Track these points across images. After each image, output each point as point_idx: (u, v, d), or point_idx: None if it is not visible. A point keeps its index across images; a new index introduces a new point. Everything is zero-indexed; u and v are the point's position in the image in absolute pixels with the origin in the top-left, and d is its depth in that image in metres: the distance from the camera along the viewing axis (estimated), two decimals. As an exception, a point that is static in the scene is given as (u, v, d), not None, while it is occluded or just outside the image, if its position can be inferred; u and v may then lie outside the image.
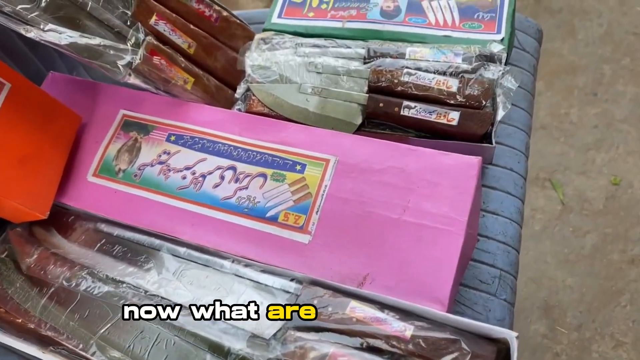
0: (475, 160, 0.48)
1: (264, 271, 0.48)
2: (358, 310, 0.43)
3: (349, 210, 0.49)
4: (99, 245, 0.52)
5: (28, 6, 0.47)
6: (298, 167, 0.51)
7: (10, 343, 0.48)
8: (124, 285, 0.48)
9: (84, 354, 0.46)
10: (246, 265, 0.48)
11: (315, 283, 0.46)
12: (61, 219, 0.55)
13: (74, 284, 0.48)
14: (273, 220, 0.50)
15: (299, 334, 0.42)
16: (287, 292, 0.46)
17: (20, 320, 0.49)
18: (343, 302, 0.44)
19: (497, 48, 0.54)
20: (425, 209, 0.47)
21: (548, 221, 1.17)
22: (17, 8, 0.46)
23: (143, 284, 0.48)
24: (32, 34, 0.47)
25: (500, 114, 0.51)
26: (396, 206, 0.48)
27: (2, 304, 0.50)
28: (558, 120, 1.29)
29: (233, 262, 0.49)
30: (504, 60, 0.54)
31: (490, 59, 0.54)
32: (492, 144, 0.51)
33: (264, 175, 0.52)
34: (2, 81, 0.51)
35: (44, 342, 0.47)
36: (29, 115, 0.52)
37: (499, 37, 0.56)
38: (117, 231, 0.53)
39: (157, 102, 0.58)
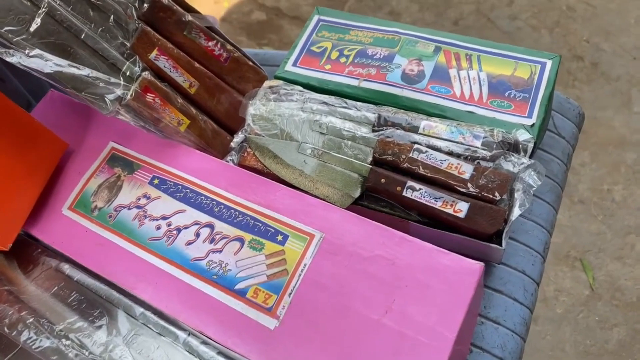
0: (476, 267, 0.42)
1: (220, 353, 0.42)
2: None
3: (326, 299, 0.43)
4: (55, 288, 0.48)
5: (15, 29, 0.44)
6: (279, 238, 0.46)
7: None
8: (68, 342, 0.44)
9: (8, 414, 0.41)
10: (203, 343, 0.43)
11: (273, 379, 0.41)
12: (26, 251, 0.52)
13: (15, 332, 0.44)
14: (241, 294, 0.44)
15: None
16: (238, 386, 0.41)
17: (-45, 360, 0.45)
18: (297, 409, 0.38)
19: (523, 136, 0.48)
20: (410, 315, 0.41)
21: (572, 306, 1.07)
22: (2, 30, 0.43)
23: (88, 344, 0.44)
24: (14, 58, 0.43)
25: (516, 213, 0.45)
26: (379, 305, 0.42)
27: (-58, 338, 0.46)
28: (599, 196, 1.20)
29: (189, 335, 0.44)
30: (529, 151, 0.48)
31: (514, 147, 0.48)
32: (501, 245, 0.45)
33: (241, 240, 0.47)
34: (-18, 101, 0.48)
35: (-26, 390, 0.44)
36: (6, 139, 0.49)
37: (529, 121, 0.50)
38: (78, 276, 0.49)
39: (148, 139, 0.54)
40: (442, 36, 0.57)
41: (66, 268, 0.49)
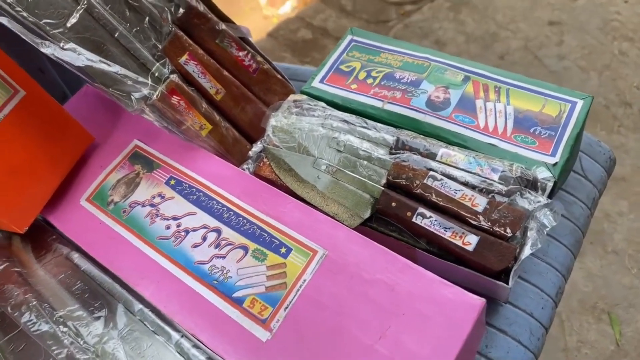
0: (478, 302, 0.40)
1: (209, 358, 0.42)
2: None
3: (322, 317, 0.42)
4: (62, 275, 0.49)
5: (53, 22, 0.46)
6: (283, 250, 0.46)
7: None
8: (65, 329, 0.44)
9: (-1, 392, 0.42)
10: (194, 346, 0.43)
11: (258, 390, 0.40)
12: (42, 236, 0.53)
13: (17, 313, 0.45)
14: (238, 302, 0.44)
15: None
16: (223, 392, 0.41)
17: (-41, 334, 0.46)
18: None
19: (543, 174, 0.47)
20: (403, 344, 0.40)
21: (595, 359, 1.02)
22: (42, 22, 0.45)
23: (84, 334, 0.44)
24: (48, 49, 0.45)
25: (527, 252, 0.43)
26: (373, 330, 0.41)
27: (-49, 311, 0.48)
28: (635, 248, 1.15)
29: (182, 337, 0.44)
30: (548, 190, 0.46)
31: (532, 184, 0.47)
32: (508, 283, 0.43)
33: (245, 249, 0.47)
34: (18, 88, 0.50)
35: (-28, 365, 0.45)
36: (36, 128, 0.51)
37: (551, 160, 0.49)
38: (85, 266, 0.50)
39: (170, 141, 0.55)
40: (472, 66, 0.56)
41: (75, 257, 0.50)
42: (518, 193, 0.46)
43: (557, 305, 0.50)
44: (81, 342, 0.44)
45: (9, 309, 0.46)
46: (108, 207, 0.53)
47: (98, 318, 0.45)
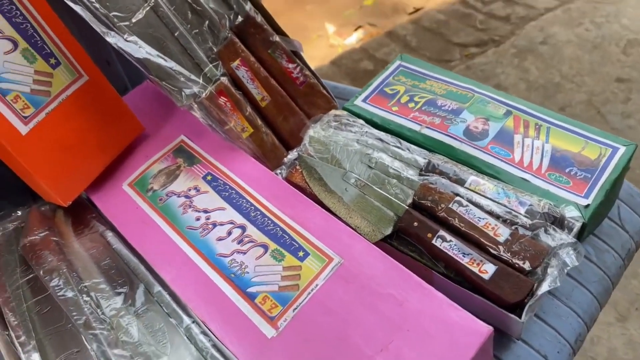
0: (484, 330, 0.40)
1: (214, 347, 0.44)
2: None
3: (328, 322, 0.43)
4: (94, 250, 0.52)
5: (121, 15, 0.50)
6: (300, 254, 0.47)
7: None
8: (87, 298, 0.47)
9: (19, 348, 0.45)
10: (202, 333, 0.45)
11: (255, 384, 0.41)
12: (82, 213, 0.57)
13: (47, 277, 0.48)
14: (250, 297, 0.45)
15: None
16: (221, 380, 0.42)
17: (-5, 290, 0.50)
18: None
19: (571, 213, 0.46)
20: (403, 359, 0.40)
21: None
22: (111, 14, 0.49)
23: (104, 306, 0.47)
24: (112, 39, 0.49)
25: (544, 288, 0.42)
26: (376, 342, 0.41)
27: (-9, 268, 0.51)
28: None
29: (193, 322, 0.45)
30: (575, 231, 0.45)
31: (559, 222, 0.46)
32: (520, 317, 0.42)
33: (265, 247, 0.48)
34: (82, 73, 0.54)
35: (1, 319, 0.48)
36: (93, 111, 0.55)
37: (583, 202, 0.48)
38: (117, 245, 0.53)
39: (213, 140, 0.58)
40: (515, 102, 0.56)
41: (109, 235, 0.53)
42: (543, 228, 0.45)
43: (575, 354, 0.48)
44: (99, 313, 0.46)
45: (41, 272, 0.49)
46: (147, 193, 0.56)
47: (119, 294, 0.48)
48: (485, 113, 0.56)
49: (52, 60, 0.52)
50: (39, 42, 0.51)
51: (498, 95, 0.57)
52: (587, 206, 0.47)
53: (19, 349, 0.45)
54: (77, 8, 0.48)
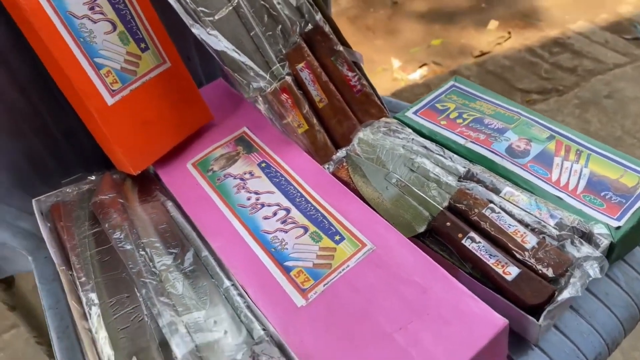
0: (500, 322, 0.42)
1: (248, 307, 0.48)
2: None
3: (353, 299, 0.46)
4: (154, 215, 0.58)
5: (206, 11, 0.57)
6: (337, 237, 0.51)
7: (50, 248, 0.55)
8: (143, 252, 0.52)
9: (79, 287, 0.51)
10: (239, 295, 0.49)
11: (280, 346, 0.45)
12: (148, 184, 0.63)
13: (111, 231, 0.54)
14: (287, 270, 0.50)
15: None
16: (251, 336, 0.46)
17: (65, 237, 0.56)
18: (287, 374, 0.42)
19: (599, 230, 0.47)
20: (420, 339, 0.42)
21: None
22: (198, 8, 0.56)
23: (156, 260, 0.52)
24: (196, 30, 0.56)
25: (565, 295, 0.44)
26: (396, 321, 0.44)
27: (65, 220, 0.58)
28: None
29: (232, 285, 0.50)
30: (602, 248, 0.47)
31: (587, 237, 0.48)
32: (538, 320, 0.44)
33: (305, 229, 0.52)
34: (166, 59, 0.61)
35: (67, 262, 0.54)
36: (170, 95, 0.62)
37: (615, 224, 0.49)
38: (175, 213, 0.58)
39: (271, 133, 0.63)
40: (560, 128, 0.59)
41: (169, 205, 0.59)
42: (569, 240, 0.47)
43: (594, 372, 0.49)
44: (151, 266, 0.51)
45: (106, 225, 0.55)
46: (207, 173, 0.61)
47: (171, 253, 0.53)
48: (529, 135, 0.59)
49: (142, 45, 0.59)
50: (134, 27, 0.58)
51: (544, 120, 0.60)
52: (618, 228, 0.49)
53: (79, 287, 0.51)
54: (172, 1, 0.55)
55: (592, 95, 1.57)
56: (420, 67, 1.77)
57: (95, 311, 0.48)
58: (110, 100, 0.57)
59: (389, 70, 1.77)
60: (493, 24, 1.89)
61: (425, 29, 1.92)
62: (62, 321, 0.55)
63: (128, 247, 0.53)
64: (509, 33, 1.84)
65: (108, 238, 0.55)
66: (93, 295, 0.50)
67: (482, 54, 1.77)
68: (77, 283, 0.51)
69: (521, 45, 1.79)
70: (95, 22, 0.55)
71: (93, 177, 0.64)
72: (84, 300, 0.49)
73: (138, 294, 0.49)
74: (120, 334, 0.46)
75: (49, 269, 0.60)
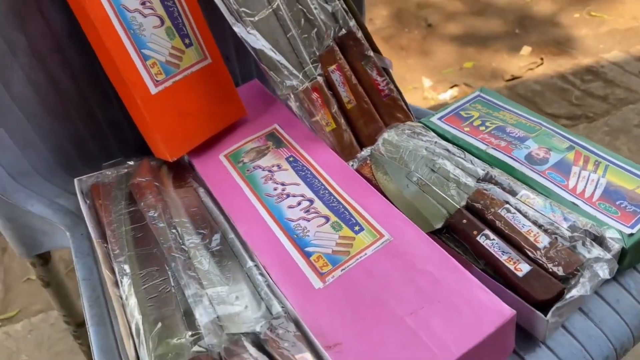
0: (508, 312, 0.44)
1: (268, 286, 0.50)
2: None
3: (368, 284, 0.49)
4: (186, 199, 0.61)
5: (247, 11, 0.61)
6: (356, 228, 0.54)
7: (88, 223, 0.59)
8: (174, 231, 0.56)
9: (113, 258, 0.54)
10: (260, 274, 0.52)
11: (296, 322, 0.47)
12: (183, 171, 0.67)
13: (146, 209, 0.58)
14: (307, 255, 0.52)
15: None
16: (270, 311, 0.48)
17: (103, 214, 0.60)
18: (300, 348, 0.44)
19: (611, 234, 0.49)
20: (430, 324, 0.45)
21: None
22: (240, 9, 0.60)
23: (185, 239, 0.55)
24: (237, 29, 0.60)
25: (574, 293, 0.46)
26: (408, 306, 0.46)
27: (103, 199, 0.62)
28: None
29: (255, 265, 0.53)
30: (614, 252, 0.48)
31: (599, 241, 0.49)
32: (545, 316, 0.46)
33: (327, 219, 0.55)
34: (207, 56, 0.65)
35: (103, 236, 0.58)
36: (209, 89, 0.66)
37: (628, 230, 0.50)
38: (205, 199, 0.62)
39: (300, 130, 0.67)
40: (580, 139, 0.61)
41: (201, 191, 0.63)
42: (581, 241, 0.48)
43: (601, 376, 0.50)
44: (181, 243, 0.55)
45: (142, 204, 0.59)
46: (238, 164, 0.65)
47: (199, 233, 0.56)
48: (549, 144, 0.60)
49: (187, 41, 0.64)
50: (180, 24, 0.63)
51: (563, 132, 0.62)
52: (630, 235, 0.50)
53: (113, 259, 0.54)
54: (218, 0, 0.60)
55: (622, 124, 1.56)
56: (451, 87, 1.79)
57: (126, 281, 0.52)
58: (153, 90, 0.61)
59: (420, 89, 1.80)
60: (526, 49, 1.91)
61: (458, 52, 1.95)
62: (94, 292, 0.58)
63: (161, 224, 0.56)
64: (542, 59, 1.86)
65: (143, 216, 0.58)
66: (126, 267, 0.53)
67: (513, 78, 1.79)
68: (111, 255, 0.55)
69: (553, 71, 1.80)
70: (145, 16, 0.60)
71: (132, 163, 0.68)
72: (117, 270, 0.53)
73: (167, 268, 0.53)
74: (148, 302, 0.50)
75: (85, 244, 0.64)
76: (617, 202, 0.53)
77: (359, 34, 0.66)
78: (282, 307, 0.48)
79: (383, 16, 2.18)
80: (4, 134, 0.63)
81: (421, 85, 1.81)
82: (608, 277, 0.46)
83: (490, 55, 1.91)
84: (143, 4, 0.60)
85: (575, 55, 1.87)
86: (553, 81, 1.76)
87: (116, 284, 0.52)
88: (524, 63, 1.85)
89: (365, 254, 0.51)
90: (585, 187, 0.55)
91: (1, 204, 0.66)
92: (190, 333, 0.46)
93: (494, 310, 0.44)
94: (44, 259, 0.76)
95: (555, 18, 2.06)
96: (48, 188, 0.69)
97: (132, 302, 0.49)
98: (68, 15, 0.60)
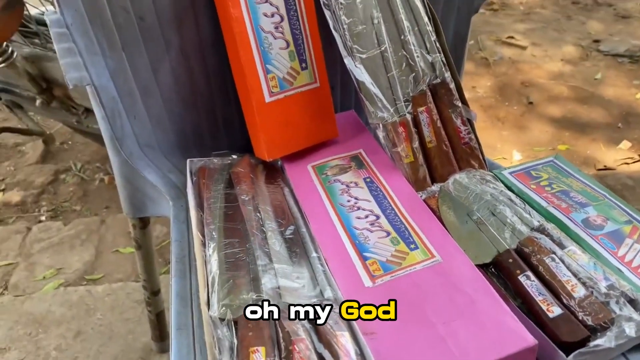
0: (530, 340, 0.49)
1: (324, 273, 0.58)
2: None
3: (411, 292, 0.55)
4: (272, 194, 0.71)
5: (359, 49, 0.71)
6: (412, 246, 0.61)
7: (189, 194, 0.71)
8: (258, 214, 0.66)
9: (206, 226, 0.65)
10: (321, 263, 0.60)
11: (343, 308, 0.55)
12: (274, 172, 0.77)
13: (240, 193, 0.68)
14: (364, 259, 0.60)
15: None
16: (322, 295, 0.56)
17: (204, 190, 0.72)
18: (342, 327, 0.52)
19: (646, 299, 0.52)
20: (458, 334, 0.50)
21: None
22: (353, 46, 0.71)
23: (265, 222, 0.65)
24: (347, 60, 0.71)
25: (599, 342, 0.50)
26: (442, 316, 0.52)
27: (207, 179, 0.74)
28: None
29: (318, 257, 0.61)
30: (646, 315, 0.52)
31: (634, 304, 0.53)
32: (567, 355, 0.50)
33: (388, 234, 0.63)
34: (317, 80, 0.77)
35: (200, 207, 0.69)
36: (312, 108, 0.77)
37: (665, 302, 0.54)
38: (288, 197, 0.71)
39: (381, 157, 0.75)
40: (640, 216, 0.64)
41: (286, 191, 0.73)
42: (615, 299, 0.52)
43: None
44: (261, 224, 0.64)
45: (237, 188, 0.69)
46: (322, 175, 0.74)
47: (278, 222, 0.66)
48: (608, 214, 0.65)
49: (303, 65, 0.75)
50: (301, 49, 0.74)
51: (626, 207, 0.66)
52: (667, 307, 0.53)
53: (205, 226, 0.65)
54: (336, 35, 0.71)
55: None
56: (540, 165, 1.80)
57: (212, 244, 0.62)
58: (268, 99, 0.73)
59: (508, 160, 1.83)
60: (626, 144, 1.89)
61: (555, 133, 1.96)
62: (182, 251, 0.69)
63: (249, 207, 0.67)
64: (640, 156, 1.83)
65: (236, 198, 0.69)
66: (214, 233, 0.63)
67: (606, 168, 1.77)
68: (204, 222, 0.65)
69: (650, 170, 1.77)
70: (275, 38, 0.72)
71: (235, 156, 0.79)
72: (206, 234, 0.63)
73: (246, 242, 0.62)
74: (225, 263, 0.59)
75: (182, 214, 0.76)
76: (662, 277, 0.56)
77: (452, 85, 0.74)
78: (334, 293, 0.56)
79: (486, 87, 2.25)
80: (144, 111, 0.77)
81: (510, 157, 1.84)
82: (634, 335, 0.50)
83: (587, 143, 1.91)
84: (276, 28, 0.72)
85: (677, 159, 1.82)
86: (648, 179, 1.72)
87: (203, 245, 0.62)
88: (620, 157, 1.83)
89: (415, 268, 0.58)
90: (634, 257, 0.59)
91: (125, 166, 0.79)
92: (254, 295, 0.55)
93: (518, 335, 0.49)
94: (143, 223, 0.89)
95: (663, 119, 2.03)
96: (164, 163, 0.82)
97: (214, 259, 0.59)
98: (215, 26, 0.74)
